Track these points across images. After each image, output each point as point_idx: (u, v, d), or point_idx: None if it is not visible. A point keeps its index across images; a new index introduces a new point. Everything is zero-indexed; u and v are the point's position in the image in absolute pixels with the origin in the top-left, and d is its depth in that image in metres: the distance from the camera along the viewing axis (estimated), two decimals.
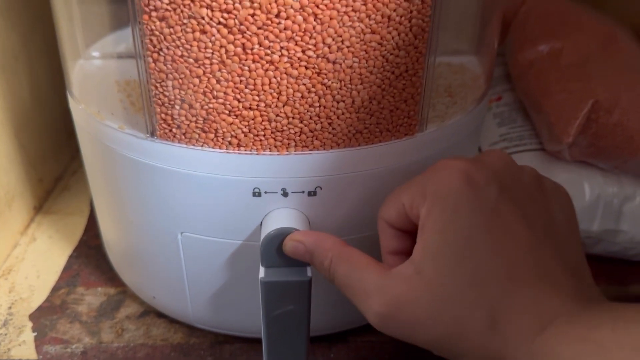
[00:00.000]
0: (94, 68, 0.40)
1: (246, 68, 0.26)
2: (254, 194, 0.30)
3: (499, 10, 0.38)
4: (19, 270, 0.46)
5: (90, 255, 0.47)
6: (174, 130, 0.29)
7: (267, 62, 0.25)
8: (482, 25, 0.39)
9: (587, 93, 0.42)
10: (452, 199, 0.24)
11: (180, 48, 0.25)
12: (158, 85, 0.27)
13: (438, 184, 0.25)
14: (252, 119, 0.28)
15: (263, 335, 0.30)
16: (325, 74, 0.26)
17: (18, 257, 0.47)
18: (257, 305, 0.30)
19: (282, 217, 0.30)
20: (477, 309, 0.23)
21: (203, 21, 0.24)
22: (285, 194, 0.30)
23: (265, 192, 0.30)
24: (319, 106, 0.28)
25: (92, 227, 0.51)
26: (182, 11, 0.24)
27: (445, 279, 0.23)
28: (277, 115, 0.28)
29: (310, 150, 0.29)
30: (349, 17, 0.25)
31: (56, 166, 0.57)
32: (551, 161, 0.45)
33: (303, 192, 0.30)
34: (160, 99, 0.28)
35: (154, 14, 0.25)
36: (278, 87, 0.26)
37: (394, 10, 0.25)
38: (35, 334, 0.40)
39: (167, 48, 0.26)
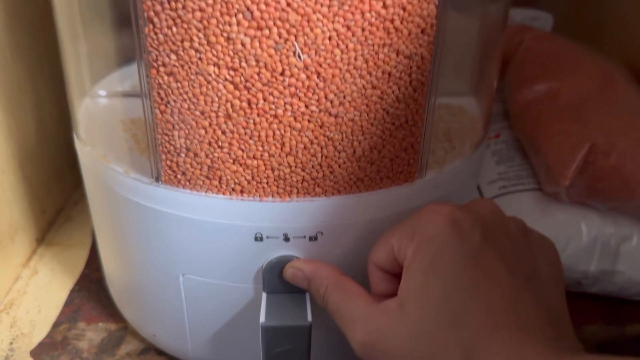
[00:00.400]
0: (99, 107, 0.41)
1: (251, 121, 0.26)
2: (256, 239, 0.31)
3: (498, 51, 0.39)
4: (20, 305, 0.46)
5: (91, 289, 0.48)
6: (178, 176, 0.30)
7: (271, 116, 0.26)
8: (481, 66, 0.40)
9: (585, 136, 0.43)
10: (436, 242, 0.25)
11: (188, 102, 0.26)
12: (165, 134, 0.28)
13: (425, 227, 0.26)
14: (256, 168, 0.28)
15: None
16: (328, 127, 0.27)
17: (20, 291, 0.47)
18: (257, 346, 0.30)
19: (282, 265, 0.31)
20: (452, 347, 0.24)
21: (210, 77, 0.25)
22: (286, 239, 0.31)
23: (267, 237, 0.31)
24: (321, 156, 0.28)
25: (93, 260, 0.51)
26: (189, 67, 0.25)
27: (425, 316, 0.24)
28: (280, 164, 0.28)
29: (312, 197, 0.30)
30: (351, 74, 0.26)
31: (59, 197, 0.57)
32: (549, 201, 0.46)
33: (304, 237, 0.31)
34: (166, 147, 0.29)
35: (162, 69, 0.26)
36: (281, 139, 0.27)
37: (394, 67, 0.26)
38: None
39: (175, 101, 0.26)
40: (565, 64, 0.52)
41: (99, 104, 0.41)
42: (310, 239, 0.31)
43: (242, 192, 0.29)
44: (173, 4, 0.24)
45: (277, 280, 0.31)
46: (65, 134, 0.57)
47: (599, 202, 0.44)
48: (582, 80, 0.49)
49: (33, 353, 0.42)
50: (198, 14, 0.24)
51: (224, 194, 0.30)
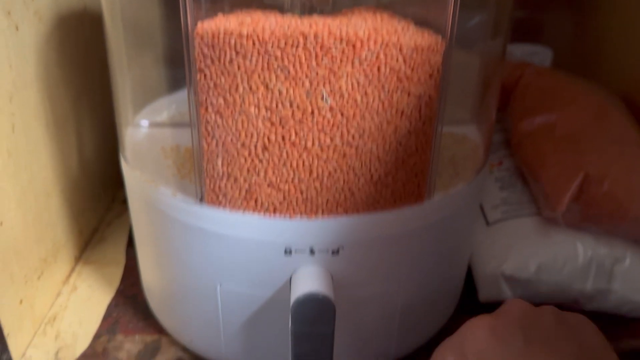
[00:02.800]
0: (141, 135, 0.45)
1: (284, 152, 0.31)
2: (286, 252, 0.35)
3: (497, 83, 0.43)
4: (63, 318, 0.50)
5: (127, 304, 0.52)
6: (220, 197, 0.34)
7: (301, 148, 0.31)
8: (482, 97, 0.45)
9: (579, 166, 0.47)
10: (487, 354, 0.29)
11: (231, 135, 0.31)
12: (209, 161, 0.33)
13: (472, 343, 0.29)
14: (287, 191, 0.33)
15: None
16: (349, 157, 0.32)
17: (62, 306, 0.52)
18: (285, 347, 0.34)
19: (308, 276, 0.35)
20: None
21: (251, 116, 0.30)
22: (312, 252, 0.35)
23: (295, 251, 0.35)
24: (343, 181, 0.33)
25: (128, 276, 0.55)
26: (234, 108, 0.30)
27: None
28: (308, 188, 0.33)
29: (335, 215, 0.34)
30: (369, 113, 0.30)
31: (93, 218, 0.62)
32: (548, 225, 0.50)
33: (328, 250, 0.35)
34: (210, 172, 0.33)
35: (210, 108, 0.31)
36: (310, 167, 0.32)
37: (406, 106, 0.31)
38: None
39: (220, 135, 0.31)
40: (562, 97, 0.56)
41: (141, 132, 0.46)
42: (333, 252, 0.35)
43: (274, 211, 0.34)
44: (222, 59, 0.29)
45: (305, 318, 0.34)
46: (101, 160, 0.62)
47: (593, 225, 0.48)
48: (578, 113, 0.54)
49: None
50: (243, 69, 0.29)
51: (258, 212, 0.34)
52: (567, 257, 0.48)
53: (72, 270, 0.56)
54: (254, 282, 0.37)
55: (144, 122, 0.46)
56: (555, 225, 0.49)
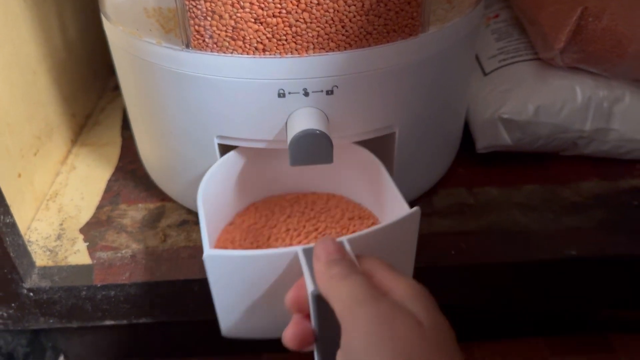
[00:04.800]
0: None
1: None
2: (279, 95, 0.34)
3: None
4: (64, 194, 0.51)
5: (127, 178, 0.52)
6: (206, 40, 0.33)
7: None
8: None
9: (578, 2, 0.45)
10: None
11: None
12: (192, 0, 0.31)
13: None
14: (275, 25, 0.32)
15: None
16: None
17: (62, 183, 0.52)
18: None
19: (304, 116, 0.35)
20: None
21: None
22: (306, 94, 0.34)
23: (289, 93, 0.34)
24: (333, 11, 0.31)
25: (126, 155, 0.55)
26: None
27: None
28: (296, 21, 0.32)
29: (327, 51, 0.33)
30: None
31: (86, 104, 0.61)
32: (545, 69, 0.49)
33: (322, 91, 0.34)
34: (194, 12, 0.32)
35: None
36: None
37: None
38: (87, 244, 0.45)
39: None
40: None
41: None
42: (327, 92, 0.34)
43: (264, 50, 0.33)
44: None
45: (303, 153, 0.34)
46: (86, 45, 0.60)
47: (591, 65, 0.47)
48: None
49: (82, 230, 0.46)
50: None
51: (248, 53, 0.33)
52: (566, 99, 0.47)
53: (69, 152, 0.56)
54: (250, 129, 0.36)
55: None
56: (554, 68, 0.48)
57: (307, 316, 0.28)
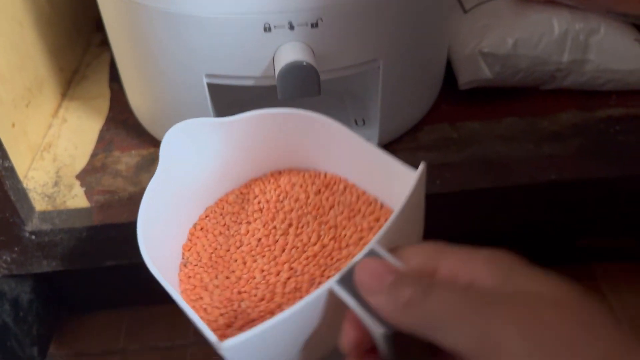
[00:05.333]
0: None
1: None
2: (265, 29, 0.35)
3: None
4: (58, 145, 0.52)
5: (119, 127, 0.53)
6: None
7: None
8: None
9: None
10: None
11: None
12: None
13: None
14: None
15: None
16: None
17: (54, 135, 0.53)
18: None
19: (290, 49, 0.36)
20: None
21: None
22: (291, 27, 0.35)
23: (275, 27, 0.35)
24: None
25: (115, 106, 0.56)
26: None
27: None
28: None
29: None
30: None
31: (72, 58, 0.61)
32: (523, 3, 0.50)
33: (307, 24, 0.35)
34: None
35: None
36: None
37: None
38: (84, 189, 0.46)
39: None
40: None
41: None
42: (312, 25, 0.36)
43: None
44: None
45: (291, 85, 0.35)
46: (68, 5, 0.61)
47: None
48: None
49: (78, 177, 0.48)
50: None
51: None
52: (544, 32, 0.49)
53: (59, 106, 0.57)
54: (238, 66, 0.37)
55: None
56: (531, 3, 0.50)
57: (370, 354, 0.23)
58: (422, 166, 0.27)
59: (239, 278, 0.31)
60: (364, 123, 0.48)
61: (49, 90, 0.55)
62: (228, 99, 0.41)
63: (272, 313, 0.28)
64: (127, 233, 0.43)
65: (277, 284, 0.29)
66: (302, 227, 0.32)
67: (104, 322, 0.58)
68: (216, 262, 0.32)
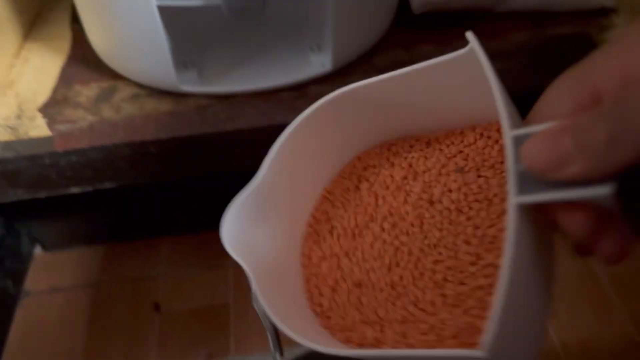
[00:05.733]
0: None
1: None
2: None
3: None
4: (20, 82, 0.52)
5: (79, 64, 0.54)
6: None
7: None
8: None
9: None
10: None
11: None
12: None
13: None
14: None
15: None
16: None
17: (17, 73, 0.53)
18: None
19: None
20: None
21: None
22: None
23: None
24: None
25: (76, 46, 0.56)
26: None
27: None
28: None
29: None
30: None
31: (33, 2, 0.62)
32: None
33: None
34: None
35: None
36: None
37: None
38: (46, 120, 0.47)
39: None
40: None
41: None
42: None
43: None
44: None
45: None
46: None
47: None
48: None
49: (40, 110, 0.48)
50: None
51: None
52: None
53: (21, 47, 0.57)
54: None
55: None
56: None
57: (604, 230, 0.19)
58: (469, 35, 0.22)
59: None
60: (319, 49, 0.49)
61: (10, 31, 0.55)
62: (186, 34, 0.42)
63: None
64: (88, 158, 0.45)
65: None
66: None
67: (79, 258, 0.60)
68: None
